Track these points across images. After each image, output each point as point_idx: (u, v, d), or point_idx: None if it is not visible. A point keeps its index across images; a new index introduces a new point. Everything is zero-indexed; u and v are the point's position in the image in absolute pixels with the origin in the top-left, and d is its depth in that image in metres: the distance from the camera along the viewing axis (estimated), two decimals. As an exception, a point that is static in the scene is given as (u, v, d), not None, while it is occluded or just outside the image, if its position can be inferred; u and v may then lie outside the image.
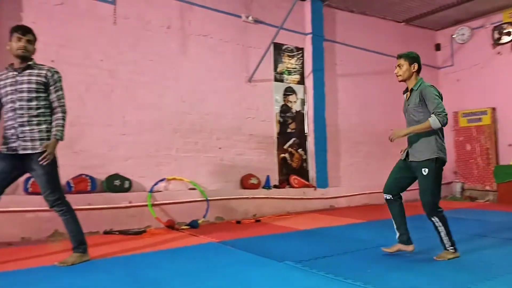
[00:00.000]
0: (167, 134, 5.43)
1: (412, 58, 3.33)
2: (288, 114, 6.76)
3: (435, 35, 9.06)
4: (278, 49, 6.70)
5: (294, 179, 6.56)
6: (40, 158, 3.01)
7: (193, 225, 4.98)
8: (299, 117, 6.90)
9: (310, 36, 6.98)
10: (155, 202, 5.01)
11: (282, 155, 6.61)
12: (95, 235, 4.43)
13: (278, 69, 6.71)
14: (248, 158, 6.19)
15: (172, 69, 5.54)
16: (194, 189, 5.44)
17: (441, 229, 3.22)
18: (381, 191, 3.47)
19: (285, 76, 6.79)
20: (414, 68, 3.32)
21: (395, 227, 3.40)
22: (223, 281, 2.72)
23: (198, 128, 5.71)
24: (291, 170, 6.67)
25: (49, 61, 4.22)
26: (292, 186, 6.50)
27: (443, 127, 3.17)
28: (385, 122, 7.64)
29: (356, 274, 2.79)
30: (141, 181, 5.13)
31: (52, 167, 3.13)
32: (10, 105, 3.07)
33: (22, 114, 3.06)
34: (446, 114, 3.09)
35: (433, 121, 3.09)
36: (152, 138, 5.30)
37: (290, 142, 6.73)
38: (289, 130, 6.74)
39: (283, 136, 6.65)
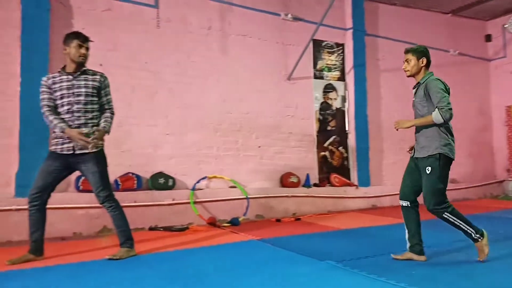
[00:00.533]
0: (208, 133, 5.54)
1: (420, 53, 3.22)
2: (328, 112, 6.68)
3: (485, 26, 8.57)
4: (318, 45, 6.63)
5: (334, 177, 6.47)
6: (91, 139, 3.15)
7: (234, 222, 5.05)
8: (340, 114, 6.78)
9: (350, 31, 6.84)
10: (197, 200, 5.14)
11: (322, 153, 6.54)
12: (141, 231, 4.61)
13: (318, 66, 6.64)
14: (288, 156, 6.18)
15: (213, 70, 5.64)
16: (234, 187, 5.51)
17: (459, 222, 3.04)
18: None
19: (325, 73, 6.71)
20: (422, 63, 3.21)
21: (407, 235, 3.19)
22: (263, 278, 2.74)
23: (238, 127, 5.78)
24: (331, 169, 6.58)
25: (98, 65, 4.43)
26: (333, 185, 6.41)
27: (449, 122, 3.02)
28: (430, 118, 7.34)
29: (400, 275, 2.72)
30: (184, 179, 5.27)
31: (103, 165, 3.32)
32: (66, 107, 3.21)
33: (79, 116, 3.22)
34: (450, 109, 2.95)
35: (435, 116, 2.96)
36: (193, 137, 5.43)
37: (330, 140, 6.64)
38: (329, 128, 6.65)
39: (323, 134, 6.57)
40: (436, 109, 2.97)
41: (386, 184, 7.08)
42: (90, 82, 3.31)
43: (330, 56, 6.76)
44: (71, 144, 3.22)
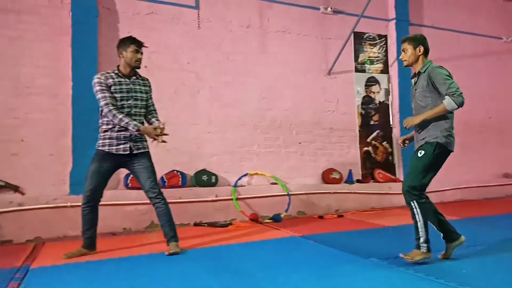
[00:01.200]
0: (249, 131, 5.59)
1: (417, 41, 3.10)
2: (370, 106, 6.51)
3: (542, 10, 7.96)
4: (359, 38, 6.47)
5: (378, 173, 6.31)
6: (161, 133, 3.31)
7: (276, 219, 5.07)
8: (383, 108, 6.60)
9: (393, 22, 6.62)
10: (239, 196, 5.21)
11: (365, 148, 6.40)
12: (186, 226, 4.75)
13: (359, 59, 6.49)
14: (329, 152, 6.10)
15: (252, 67, 5.68)
16: (275, 183, 5.53)
17: (419, 217, 2.93)
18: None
19: (367, 66, 6.54)
20: (420, 51, 3.09)
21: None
22: (306, 275, 2.74)
23: (278, 124, 5.78)
24: (375, 164, 6.42)
25: (143, 67, 4.57)
26: (376, 181, 6.25)
27: (453, 112, 2.89)
28: (482, 110, 6.98)
29: (449, 273, 2.62)
30: (226, 176, 5.37)
31: (152, 162, 3.48)
32: (127, 110, 3.36)
33: (135, 119, 3.37)
34: (461, 93, 2.82)
35: (448, 103, 2.84)
36: (235, 135, 5.51)
37: (374, 134, 6.47)
38: (372, 122, 6.49)
39: (365, 129, 6.42)
40: (447, 96, 2.85)
41: (433, 180, 6.77)
42: (143, 87, 3.49)
43: (372, 48, 6.59)
44: (127, 145, 3.36)
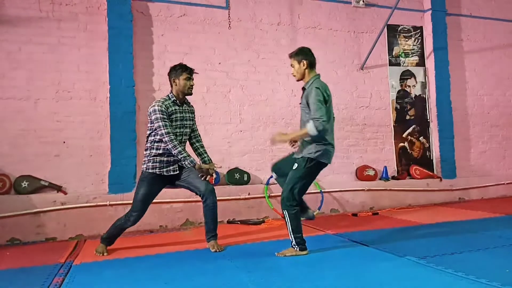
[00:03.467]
0: (280, 129, 5.56)
1: (299, 55, 3.22)
2: (406, 100, 6.33)
3: None
4: (393, 31, 6.30)
5: (415, 169, 6.12)
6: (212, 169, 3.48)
7: (309, 216, 5.03)
8: (420, 102, 6.39)
9: (429, 12, 6.39)
10: (271, 194, 5.22)
11: (401, 144, 6.22)
12: (219, 224, 4.78)
13: (394, 53, 6.31)
14: (362, 148, 5.99)
15: (283, 65, 5.65)
16: (309, 181, 5.49)
17: (288, 225, 3.17)
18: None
19: (402, 59, 6.36)
20: (304, 65, 3.22)
21: None
22: (340, 273, 2.71)
23: (311, 121, 5.72)
24: (411, 160, 6.24)
25: (175, 68, 4.70)
26: (413, 177, 6.07)
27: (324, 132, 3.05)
28: (527, 101, 6.60)
29: (491, 273, 2.50)
30: (258, 174, 5.39)
31: None
32: (179, 137, 3.46)
33: (184, 146, 3.49)
34: (324, 121, 2.97)
35: (310, 128, 2.99)
36: (266, 133, 5.51)
37: (410, 130, 6.28)
38: (407, 117, 6.30)
39: (401, 124, 6.25)
40: (311, 121, 2.99)
41: (475, 175, 6.53)
42: (191, 114, 3.61)
43: (407, 40, 6.39)
44: (175, 165, 3.46)
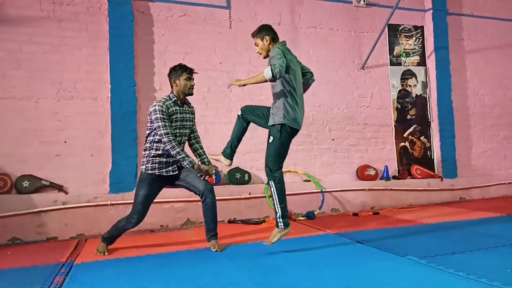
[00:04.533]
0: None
1: (261, 32, 3.34)
2: (407, 100, 6.32)
3: None
4: (394, 30, 6.30)
5: (416, 169, 6.12)
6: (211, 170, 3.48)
7: (310, 216, 5.04)
8: (420, 101, 6.39)
9: (430, 12, 6.39)
10: (273, 194, 5.22)
11: (402, 144, 6.22)
12: (220, 223, 4.79)
13: (395, 52, 6.31)
14: (363, 148, 5.99)
15: (283, 64, 5.65)
16: (308, 181, 5.50)
17: (275, 196, 3.23)
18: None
19: (403, 59, 6.35)
20: (267, 41, 3.33)
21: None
22: (341, 273, 2.71)
23: (311, 120, 5.73)
24: (412, 160, 6.24)
25: (176, 68, 4.70)
26: (414, 177, 6.07)
27: (294, 90, 3.17)
28: (528, 100, 6.59)
29: (492, 273, 2.50)
30: (259, 173, 5.39)
31: None
32: (179, 139, 3.46)
33: (182, 145, 3.51)
34: (280, 66, 3.02)
35: (266, 71, 3.03)
36: (266, 132, 5.48)
37: (411, 129, 6.28)
38: (408, 117, 6.30)
39: (402, 124, 6.25)
40: (268, 67, 3.05)
41: (476, 175, 6.52)
42: (191, 115, 3.61)
43: (407, 40, 6.39)
44: (174, 165, 3.46)
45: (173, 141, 3.33)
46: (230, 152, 3.53)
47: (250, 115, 3.48)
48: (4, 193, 4.32)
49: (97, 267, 3.11)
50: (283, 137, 3.25)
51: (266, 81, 3.09)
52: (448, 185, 6.16)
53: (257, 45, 3.38)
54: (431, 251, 3.10)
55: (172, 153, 3.34)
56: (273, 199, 3.28)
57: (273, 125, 3.24)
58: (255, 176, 5.38)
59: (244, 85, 3.23)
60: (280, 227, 3.23)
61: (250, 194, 5.13)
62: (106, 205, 4.55)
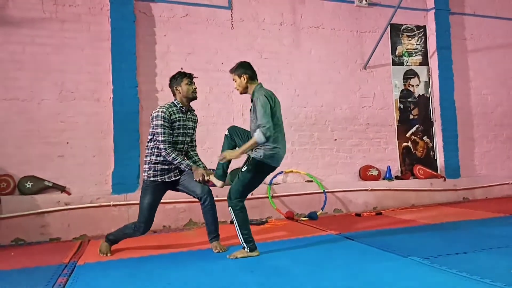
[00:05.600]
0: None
1: (239, 70, 3.32)
2: (409, 100, 6.31)
3: None
4: (396, 30, 6.29)
5: (419, 169, 6.10)
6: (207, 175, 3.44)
7: (312, 216, 5.04)
8: (423, 101, 6.37)
9: (432, 11, 6.38)
10: (275, 194, 5.22)
11: (404, 144, 6.21)
12: (222, 224, 4.79)
13: (397, 52, 6.30)
14: (366, 148, 5.97)
15: (286, 64, 5.66)
16: (311, 181, 5.49)
17: (235, 221, 3.27)
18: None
19: (405, 59, 6.34)
20: (245, 79, 3.30)
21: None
22: (343, 273, 2.70)
23: (313, 121, 5.73)
24: (415, 160, 6.22)
25: (179, 68, 4.71)
26: (417, 177, 6.06)
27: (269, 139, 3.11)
28: (530, 100, 6.57)
29: (496, 273, 2.49)
30: (261, 174, 5.38)
31: None
32: (180, 146, 3.46)
33: (184, 154, 3.51)
34: (269, 127, 3.05)
35: (257, 136, 3.06)
36: (269, 132, 5.50)
37: (413, 129, 6.26)
38: (411, 117, 6.28)
39: (404, 124, 6.23)
40: (258, 130, 3.07)
41: (479, 175, 6.50)
42: (193, 124, 3.59)
43: (410, 40, 6.37)
44: (176, 171, 3.47)
45: (168, 148, 3.32)
46: (221, 173, 3.48)
47: (236, 137, 3.45)
48: (7, 194, 4.33)
49: (100, 268, 3.11)
50: (259, 170, 3.26)
51: (257, 144, 3.12)
52: (451, 185, 6.14)
53: (235, 81, 3.38)
54: (434, 252, 3.09)
55: (168, 160, 3.35)
56: (234, 226, 3.28)
57: (253, 157, 3.23)
58: (257, 176, 5.36)
59: (239, 155, 3.21)
60: (246, 251, 3.25)
61: (252, 194, 5.12)
62: (109, 205, 4.56)
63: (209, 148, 5.20)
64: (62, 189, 4.58)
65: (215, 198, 3.56)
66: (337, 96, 5.90)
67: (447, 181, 6.13)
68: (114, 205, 4.56)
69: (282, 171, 5.45)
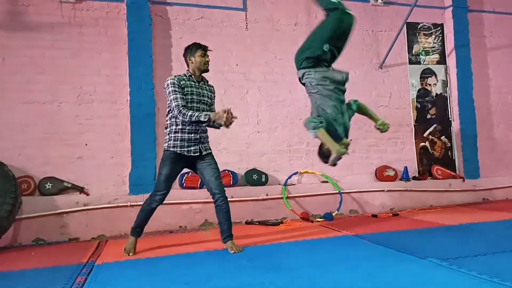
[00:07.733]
0: (298, 129, 5.55)
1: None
2: (427, 99, 6.21)
3: None
4: (413, 28, 6.20)
5: (437, 169, 6.00)
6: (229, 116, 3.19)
7: (328, 217, 5.01)
8: (441, 100, 6.26)
9: (450, 9, 6.27)
10: (290, 195, 5.21)
11: (422, 144, 6.11)
12: (238, 224, 4.83)
13: (414, 51, 6.21)
14: (382, 149, 5.90)
15: (300, 65, 5.63)
16: (326, 182, 5.46)
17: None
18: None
19: (422, 57, 6.25)
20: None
21: None
22: (359, 275, 2.67)
23: (329, 121, 5.68)
24: (433, 160, 6.12)
25: (193, 70, 4.74)
26: (435, 177, 5.95)
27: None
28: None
29: (517, 276, 2.43)
30: (276, 175, 5.39)
31: (216, 161, 3.59)
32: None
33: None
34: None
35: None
36: (283, 133, 5.51)
37: (431, 129, 6.16)
38: (428, 116, 6.19)
39: (421, 123, 6.14)
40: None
41: (500, 175, 6.35)
42: (209, 92, 3.60)
43: (427, 38, 6.28)
44: (197, 147, 3.48)
45: (182, 109, 3.30)
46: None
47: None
48: (28, 195, 4.44)
49: (118, 267, 3.16)
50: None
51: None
52: (471, 186, 6.02)
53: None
54: (452, 253, 3.03)
55: (186, 120, 3.31)
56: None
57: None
58: (272, 177, 5.37)
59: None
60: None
61: (267, 195, 5.13)
62: (126, 206, 4.63)
63: (224, 149, 5.23)
64: (81, 190, 4.67)
65: (228, 199, 3.55)
66: (352, 96, 5.79)
67: (466, 181, 6.01)
68: (131, 206, 4.63)
69: (297, 172, 5.44)
